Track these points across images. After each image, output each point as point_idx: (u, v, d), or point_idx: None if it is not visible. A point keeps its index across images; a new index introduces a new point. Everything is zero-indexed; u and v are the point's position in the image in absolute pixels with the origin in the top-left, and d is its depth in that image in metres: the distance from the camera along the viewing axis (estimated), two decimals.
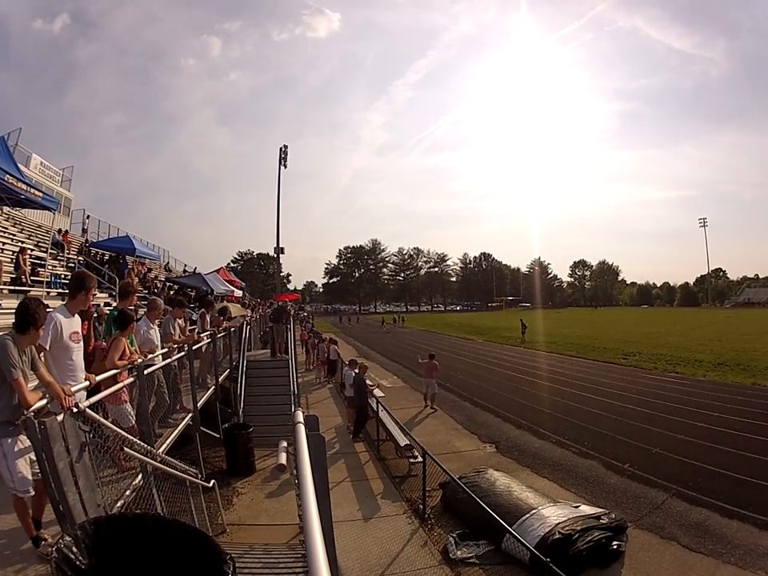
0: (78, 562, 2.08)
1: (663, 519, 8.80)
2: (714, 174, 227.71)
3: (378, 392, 15.64)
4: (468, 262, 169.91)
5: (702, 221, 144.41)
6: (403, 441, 11.57)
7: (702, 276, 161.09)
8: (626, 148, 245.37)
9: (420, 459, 9.94)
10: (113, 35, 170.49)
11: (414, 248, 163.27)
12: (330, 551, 3.13)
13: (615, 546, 7.54)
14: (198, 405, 9.22)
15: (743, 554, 7.57)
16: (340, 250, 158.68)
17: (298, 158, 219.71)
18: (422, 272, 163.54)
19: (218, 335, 11.85)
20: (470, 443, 13.58)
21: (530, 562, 6.77)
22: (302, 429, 3.60)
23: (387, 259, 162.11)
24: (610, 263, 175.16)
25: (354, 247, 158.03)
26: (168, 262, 39.30)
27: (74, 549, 2.11)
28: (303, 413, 4.14)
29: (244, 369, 14.95)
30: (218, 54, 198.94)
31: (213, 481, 8.05)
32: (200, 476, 7.34)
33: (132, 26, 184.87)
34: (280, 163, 54.38)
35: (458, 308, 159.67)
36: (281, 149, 54.55)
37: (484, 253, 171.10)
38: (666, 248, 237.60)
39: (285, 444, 3.95)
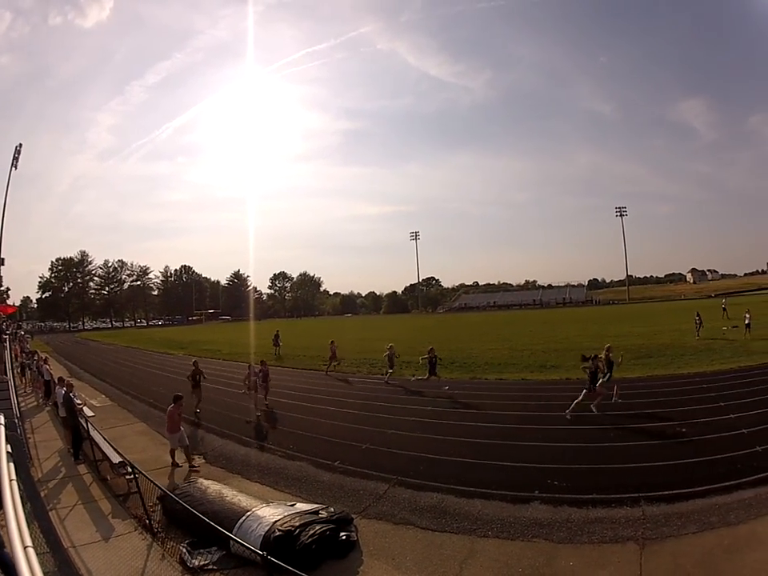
0: None
1: (391, 507, 9.19)
2: (438, 191, 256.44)
3: (87, 411, 14.59)
4: (169, 275, 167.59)
5: (414, 234, 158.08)
6: (116, 459, 11.09)
7: (411, 285, 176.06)
8: (345, 165, 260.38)
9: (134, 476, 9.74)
10: None
11: (119, 260, 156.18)
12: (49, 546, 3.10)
13: (344, 537, 7.83)
14: None
15: (502, 527, 8.15)
16: (52, 262, 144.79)
17: (29, 158, 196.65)
18: (126, 286, 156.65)
19: None
20: (180, 456, 13.11)
21: (261, 560, 6.72)
22: (2, 430, 3.54)
23: (93, 272, 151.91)
24: (312, 275, 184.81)
25: (64, 259, 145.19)
26: None
27: None
28: (4, 417, 4.02)
29: None
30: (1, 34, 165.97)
31: None
32: None
33: None
34: (12, 164, 48.81)
35: (159, 323, 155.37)
36: (16, 148, 49.81)
37: (184, 265, 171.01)
38: (380, 260, 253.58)
39: None
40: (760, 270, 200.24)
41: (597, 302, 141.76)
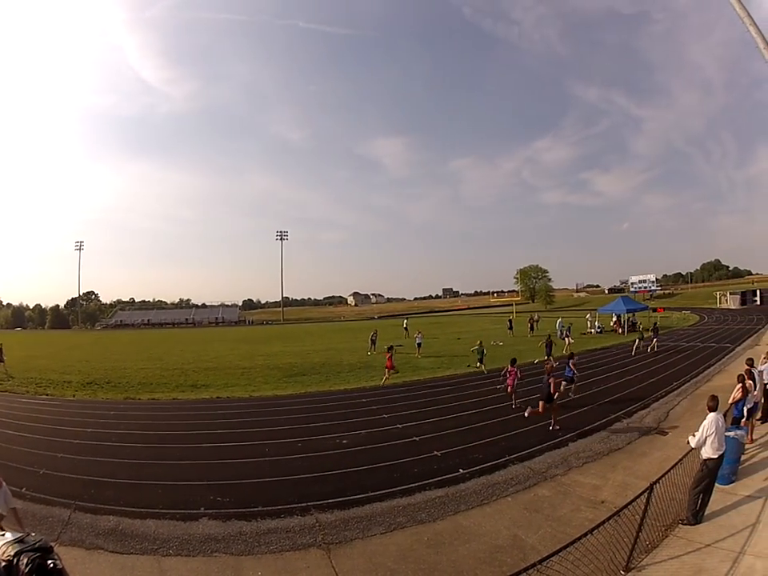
0: None
1: (78, 533, 9.06)
2: (111, 200, 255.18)
3: None
4: None
5: (79, 244, 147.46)
6: None
7: (73, 298, 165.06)
8: (25, 164, 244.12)
9: None
10: None
11: None
12: None
13: (52, 565, 7.87)
14: None
15: (180, 545, 8.37)
16: None
17: None
18: None
19: None
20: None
21: None
22: None
23: None
24: None
25: None
26: None
27: None
28: None
29: None
30: None
31: None
32: None
33: None
34: None
35: None
36: None
37: None
38: (49, 269, 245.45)
39: None
40: (434, 295, 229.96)
41: (250, 322, 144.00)
